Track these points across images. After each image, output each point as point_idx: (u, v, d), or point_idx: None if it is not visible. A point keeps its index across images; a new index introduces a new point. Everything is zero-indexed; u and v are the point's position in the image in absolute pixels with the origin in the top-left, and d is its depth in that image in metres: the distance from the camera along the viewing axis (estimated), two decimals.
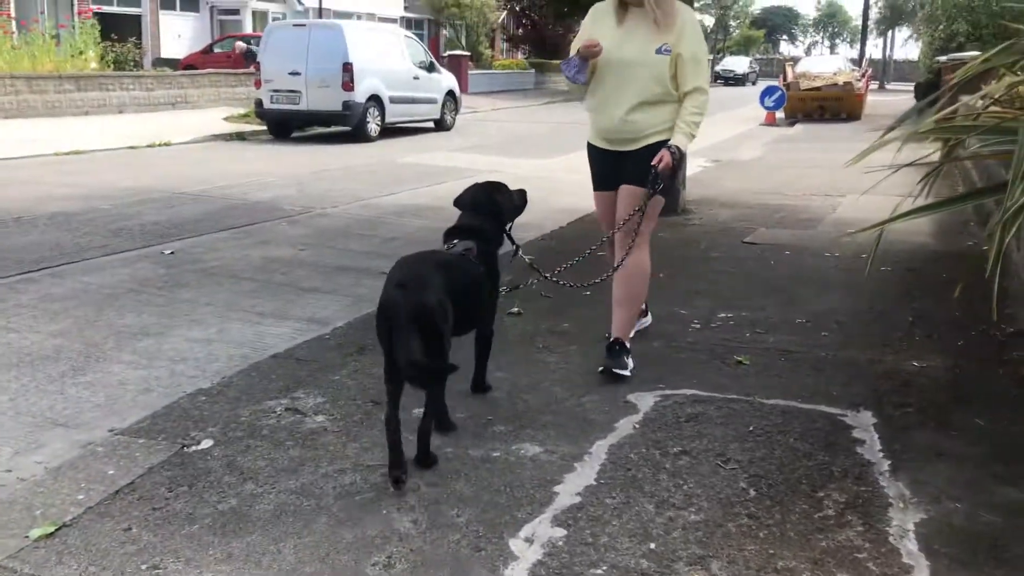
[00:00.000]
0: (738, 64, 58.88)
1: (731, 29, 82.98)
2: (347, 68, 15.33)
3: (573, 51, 3.96)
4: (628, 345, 3.97)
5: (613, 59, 3.88)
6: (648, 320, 4.60)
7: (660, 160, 3.80)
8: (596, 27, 3.98)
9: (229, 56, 24.80)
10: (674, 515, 2.71)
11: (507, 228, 3.64)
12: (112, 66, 19.09)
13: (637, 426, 3.38)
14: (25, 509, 2.77)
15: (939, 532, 2.61)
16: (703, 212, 8.54)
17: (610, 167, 4.07)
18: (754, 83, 50.39)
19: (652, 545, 2.54)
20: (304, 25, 16.73)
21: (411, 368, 2.86)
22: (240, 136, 16.00)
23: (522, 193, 3.76)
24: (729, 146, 15.92)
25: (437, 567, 2.45)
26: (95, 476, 2.98)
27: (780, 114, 22.53)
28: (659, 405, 3.59)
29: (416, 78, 17.43)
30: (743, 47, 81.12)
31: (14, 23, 19.06)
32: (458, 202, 3.63)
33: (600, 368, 3.90)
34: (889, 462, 3.07)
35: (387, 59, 16.67)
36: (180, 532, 2.63)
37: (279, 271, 6.16)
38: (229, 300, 5.38)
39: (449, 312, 3.02)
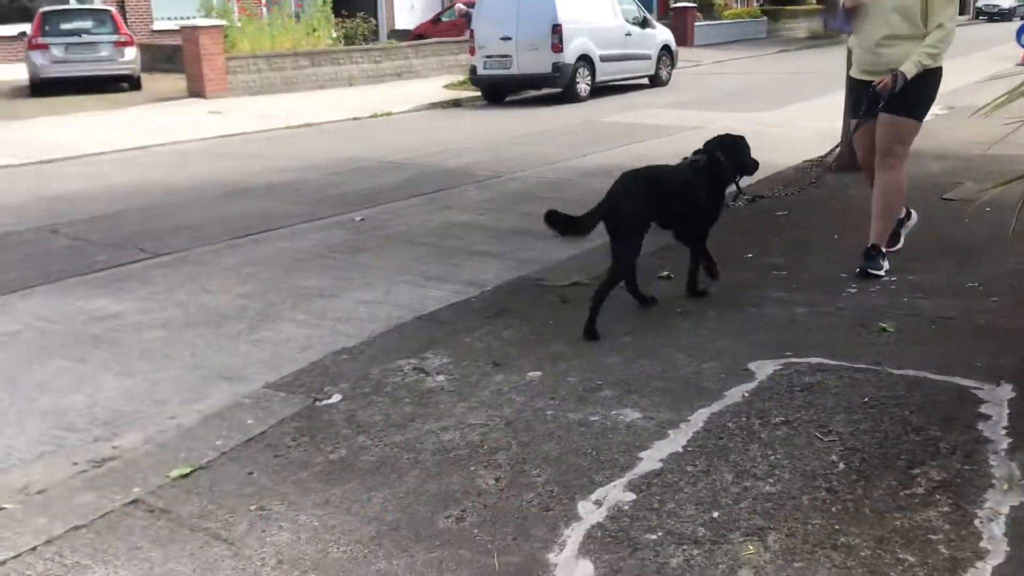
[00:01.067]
0: None
1: None
2: (556, 30, 15.48)
3: (840, 5, 4.74)
4: (884, 251, 4.74)
5: (873, 6, 4.56)
6: (914, 219, 5.19)
7: (880, 82, 4.47)
8: None
9: (455, 24, 25.64)
10: (750, 485, 2.68)
11: (736, 179, 4.56)
12: (343, 41, 20.33)
13: (747, 394, 3.33)
14: (174, 451, 3.18)
15: None
16: (912, 164, 7.92)
17: (863, 93, 4.69)
18: (1022, 18, 45.46)
19: (716, 514, 2.54)
20: None
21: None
22: (456, 103, 16.62)
23: (755, 163, 4.61)
24: (972, 90, 14.56)
25: (503, 523, 2.58)
26: (236, 425, 3.36)
27: None
28: (777, 374, 3.50)
29: (628, 35, 17.28)
30: None
31: (264, 9, 20.71)
32: (707, 143, 4.53)
33: (857, 269, 4.69)
34: (1010, 440, 2.85)
35: (597, 18, 16.64)
36: (291, 478, 2.93)
37: (454, 235, 6.46)
38: (402, 264, 5.73)
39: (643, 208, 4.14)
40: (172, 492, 2.89)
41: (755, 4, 40.70)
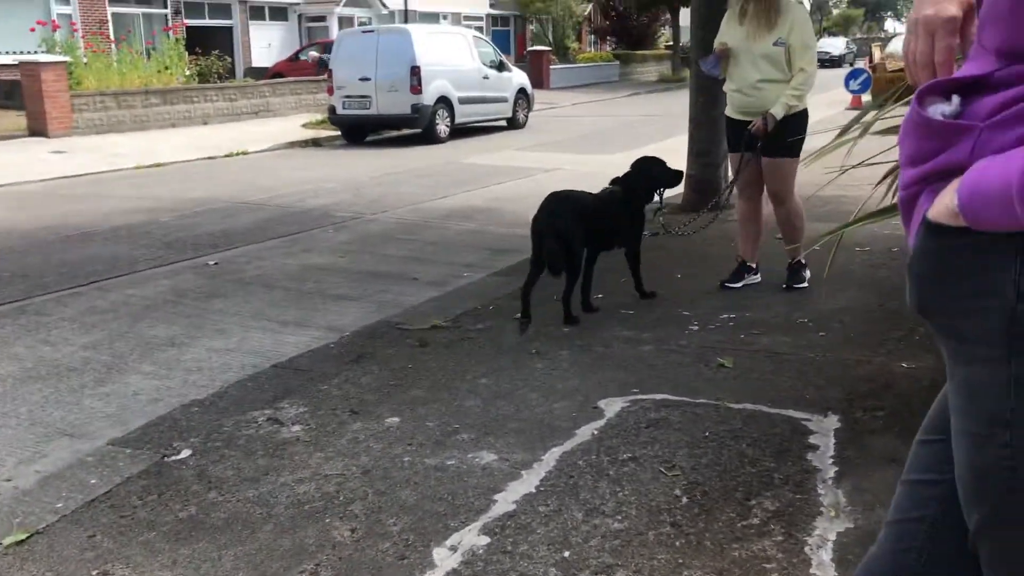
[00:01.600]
0: (834, 45, 57.05)
1: (829, 9, 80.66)
2: (415, 72, 15.63)
3: (716, 47, 5.29)
4: (803, 261, 5.42)
5: (741, 51, 5.14)
6: (757, 278, 5.58)
7: (754, 124, 5.06)
8: (727, 28, 5.26)
9: (314, 62, 25.50)
10: (599, 523, 2.77)
11: (659, 191, 5.36)
12: (197, 79, 19.87)
13: (596, 432, 3.44)
14: (8, 516, 3.02)
15: (860, 541, 2.59)
16: None
17: (739, 132, 5.25)
18: (851, 64, 48.81)
19: (567, 553, 2.61)
20: (373, 31, 17.09)
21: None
22: (315, 142, 16.49)
23: (678, 173, 5.50)
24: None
25: (358, 574, 2.58)
26: (78, 485, 3.22)
27: (867, 97, 21.84)
28: (625, 411, 3.64)
29: (486, 78, 17.62)
30: (842, 27, 78.74)
31: (113, 45, 20.03)
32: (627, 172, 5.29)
33: (783, 285, 5.41)
34: (836, 469, 3.06)
35: (456, 60, 16.91)
36: (138, 539, 2.83)
37: (312, 279, 6.40)
38: (257, 309, 5.63)
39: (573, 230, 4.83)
40: (6, 560, 2.74)
41: (608, 48, 42.26)
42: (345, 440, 3.48)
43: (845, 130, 3.45)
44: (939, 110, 1.20)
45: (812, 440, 3.30)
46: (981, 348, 1.16)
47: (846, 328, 4.61)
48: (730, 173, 5.63)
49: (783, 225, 5.46)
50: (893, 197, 3.25)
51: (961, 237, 1.14)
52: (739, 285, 5.46)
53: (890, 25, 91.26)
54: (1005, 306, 1.11)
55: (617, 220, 5.11)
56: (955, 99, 1.20)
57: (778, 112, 4.98)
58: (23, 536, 2.86)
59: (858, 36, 72.83)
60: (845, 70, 30.74)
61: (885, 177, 3.33)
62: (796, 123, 5.12)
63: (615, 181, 5.23)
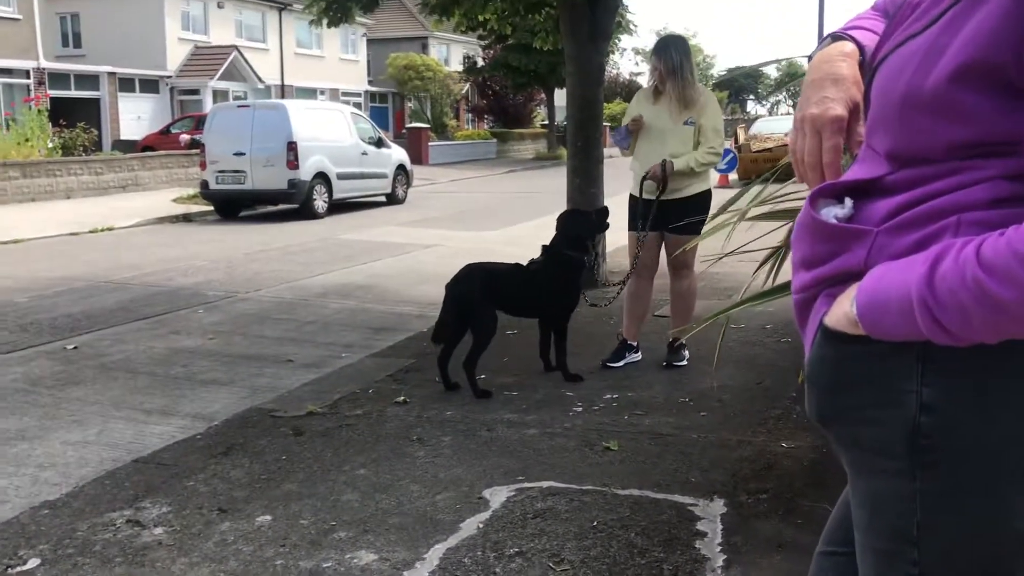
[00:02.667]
0: None
1: None
2: (291, 147, 15.45)
3: (625, 122, 5.41)
4: (683, 341, 5.38)
5: (653, 127, 5.26)
6: (638, 356, 5.58)
7: (651, 170, 5.14)
8: (639, 106, 5.40)
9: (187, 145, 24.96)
10: None
11: (591, 241, 5.39)
12: (60, 151, 19.11)
13: (481, 525, 3.32)
14: None
15: None
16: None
17: (640, 211, 5.27)
18: None
19: None
20: (248, 106, 16.88)
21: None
22: (187, 218, 16.01)
23: (602, 211, 5.74)
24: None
25: None
26: None
27: (734, 176, 22.83)
28: (511, 500, 3.53)
29: (364, 154, 17.57)
30: None
31: None
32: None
33: (664, 363, 5.46)
34: (724, 557, 3.03)
35: (334, 136, 16.81)
36: None
37: (180, 363, 6.08)
38: (119, 397, 5.29)
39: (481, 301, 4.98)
40: None
41: (485, 126, 43.05)
42: (212, 543, 3.24)
43: (719, 213, 3.51)
44: (832, 212, 1.19)
45: (699, 527, 3.26)
46: (882, 460, 1.13)
47: (726, 407, 4.66)
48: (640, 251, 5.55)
49: (679, 300, 5.50)
50: (769, 279, 3.32)
51: (860, 344, 1.11)
52: (621, 364, 5.45)
53: (751, 108, 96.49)
54: (907, 417, 1.08)
55: (542, 291, 5.13)
56: (848, 202, 1.18)
57: (679, 163, 5.08)
58: None
59: (725, 117, 76.62)
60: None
61: (763, 263, 3.38)
62: (700, 203, 5.26)
63: (545, 249, 5.26)
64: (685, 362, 5.45)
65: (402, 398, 4.89)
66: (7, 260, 11.02)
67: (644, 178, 5.20)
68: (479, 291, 4.96)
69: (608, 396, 4.89)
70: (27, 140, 17.99)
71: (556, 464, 3.89)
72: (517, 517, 3.38)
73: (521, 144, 38.98)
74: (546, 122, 39.63)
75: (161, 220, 15.53)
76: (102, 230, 14.06)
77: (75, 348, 6.48)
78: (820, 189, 1.21)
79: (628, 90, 48.10)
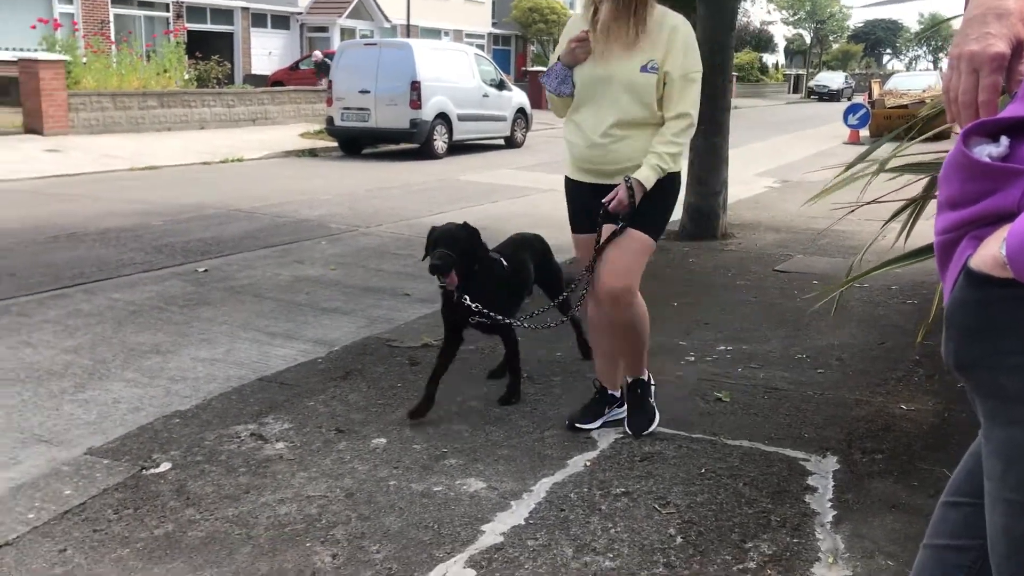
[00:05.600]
0: (832, 79, 57.61)
1: (830, 43, 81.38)
2: (415, 86, 15.60)
3: (553, 60, 3.47)
4: (645, 377, 3.71)
5: (589, 76, 3.35)
6: (622, 412, 3.77)
7: (612, 198, 3.30)
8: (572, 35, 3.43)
9: (313, 72, 25.49)
10: (590, 560, 2.68)
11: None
12: (195, 83, 19.80)
13: (588, 463, 3.35)
14: None
15: None
16: (746, 236, 8.38)
17: (586, 203, 3.48)
18: (849, 99, 49.21)
19: None
20: (375, 44, 17.05)
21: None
22: (312, 152, 16.42)
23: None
24: (802, 165, 15.56)
25: None
26: (51, 496, 3.11)
27: (865, 132, 21.91)
28: (619, 442, 3.55)
29: (486, 96, 17.60)
30: (841, 62, 79.41)
31: (113, 46, 19.95)
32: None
33: (626, 427, 3.70)
34: (835, 513, 2.97)
35: (456, 77, 16.88)
36: (110, 556, 2.73)
37: (303, 291, 6.30)
38: (245, 320, 5.53)
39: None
40: None
41: None
42: (330, 460, 3.38)
43: (854, 164, 3.38)
44: (986, 151, 1.13)
45: (810, 481, 3.21)
46: (1022, 408, 1.08)
47: (845, 366, 4.54)
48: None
49: (622, 340, 3.60)
50: (901, 239, 3.19)
51: (1006, 288, 1.06)
52: (598, 424, 3.68)
53: (888, 62, 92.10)
54: None
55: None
56: (1003, 140, 1.13)
57: (648, 178, 3.29)
58: None
59: (857, 71, 73.45)
60: (843, 105, 31.00)
61: (894, 216, 3.25)
62: (666, 191, 3.42)
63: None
64: (655, 424, 3.66)
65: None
66: (144, 186, 11.56)
67: (605, 211, 3.37)
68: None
69: (722, 348, 4.82)
70: (165, 71, 18.70)
71: (665, 411, 3.88)
72: (624, 459, 3.40)
73: None
74: None
75: (288, 154, 15.98)
76: (232, 161, 14.56)
77: (205, 271, 6.79)
78: (974, 126, 1.15)
79: (758, 39, 46.46)
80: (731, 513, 2.97)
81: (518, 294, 4.06)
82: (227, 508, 3.01)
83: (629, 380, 3.68)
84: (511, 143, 18.53)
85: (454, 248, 3.60)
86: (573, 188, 3.61)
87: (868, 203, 3.45)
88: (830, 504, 3.04)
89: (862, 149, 14.75)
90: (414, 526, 2.89)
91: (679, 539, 2.80)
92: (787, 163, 15.88)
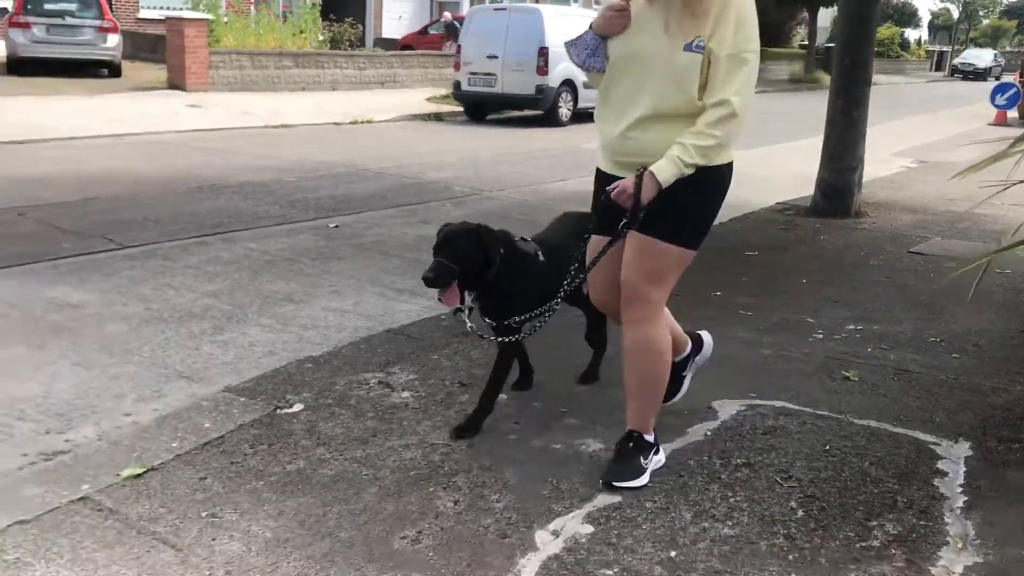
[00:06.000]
0: (980, 57, 54.58)
1: (979, 18, 77.12)
2: (542, 52, 15.57)
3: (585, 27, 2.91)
4: (649, 438, 3.00)
5: (622, 52, 2.82)
6: (707, 345, 3.44)
7: (616, 187, 2.78)
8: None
9: (442, 37, 25.75)
10: (708, 526, 2.68)
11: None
12: (329, 45, 20.30)
13: (709, 433, 3.34)
14: (127, 450, 3.12)
15: None
16: (881, 216, 8.09)
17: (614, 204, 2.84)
18: (998, 78, 46.58)
19: (673, 553, 2.53)
20: (504, 9, 17.06)
21: None
22: (437, 117, 16.62)
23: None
24: (943, 145, 14.86)
25: (459, 548, 2.55)
26: (193, 428, 3.30)
27: (1013, 113, 20.72)
28: (741, 414, 3.51)
29: None
30: (990, 39, 75.08)
31: (252, 7, 20.64)
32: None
33: (600, 480, 2.95)
34: (965, 499, 2.88)
35: None
36: (246, 486, 2.88)
37: (428, 250, 6.40)
38: (373, 275, 5.68)
39: None
40: (122, 492, 2.82)
41: None
42: (453, 411, 3.46)
43: (1016, 143, 3.20)
44: None
45: (940, 466, 3.11)
46: None
47: (982, 352, 4.36)
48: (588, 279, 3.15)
49: (631, 368, 2.96)
50: None
51: None
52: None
53: None
54: None
55: None
56: None
57: (665, 172, 2.70)
58: (140, 471, 2.95)
59: (1008, 49, 69.25)
60: (989, 84, 29.31)
61: None
62: (708, 189, 2.83)
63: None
64: (643, 480, 2.93)
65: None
66: (278, 143, 11.96)
67: (604, 199, 2.86)
68: None
69: (851, 327, 4.69)
70: (301, 32, 19.24)
71: (790, 387, 3.82)
72: (746, 431, 3.36)
73: (776, 64, 37.11)
74: (805, 42, 37.46)
75: (414, 117, 16.23)
76: (361, 122, 14.89)
77: (336, 227, 7.00)
78: None
79: (900, 13, 44.41)
80: (855, 491, 2.91)
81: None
82: (355, 449, 3.13)
83: (632, 431, 2.98)
84: None
85: (456, 257, 3.10)
86: (603, 181, 2.96)
87: (1018, 182, 3.27)
88: (960, 490, 2.94)
89: (1009, 131, 14.00)
90: (533, 479, 2.95)
91: (800, 512, 2.77)
92: (926, 143, 15.19)
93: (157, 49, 18.22)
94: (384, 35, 30.26)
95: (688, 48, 2.67)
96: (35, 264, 5.49)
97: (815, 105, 12.30)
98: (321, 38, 20.24)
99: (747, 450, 3.19)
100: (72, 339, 4.28)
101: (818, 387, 3.84)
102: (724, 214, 7.86)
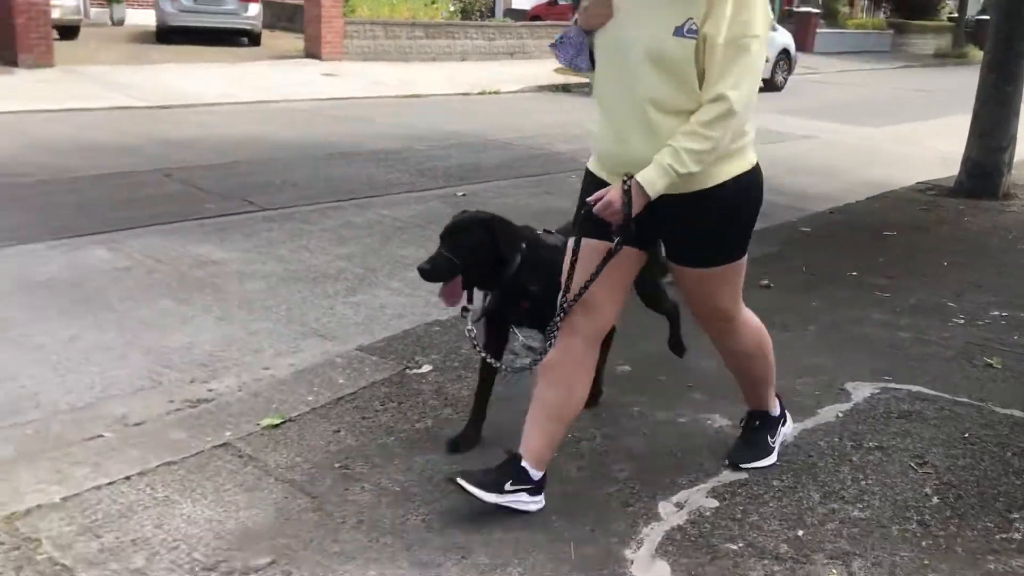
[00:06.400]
0: None
1: None
2: None
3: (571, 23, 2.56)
4: (775, 413, 2.96)
5: (606, 41, 2.46)
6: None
7: (596, 199, 2.42)
8: None
9: (572, 8, 25.59)
10: (837, 507, 2.62)
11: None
12: (460, 15, 20.46)
13: (841, 415, 3.25)
14: (266, 401, 3.27)
15: None
16: None
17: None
18: None
19: (800, 532, 2.49)
20: None
21: None
22: (565, 88, 16.54)
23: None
24: None
25: (583, 513, 2.58)
26: (327, 383, 3.43)
27: None
28: (875, 397, 3.41)
29: None
30: None
31: None
32: None
33: (725, 460, 2.91)
34: None
35: None
36: (377, 441, 2.98)
37: (554, 222, 6.38)
38: None
39: None
40: (261, 440, 2.97)
41: (882, 15, 39.44)
42: None
43: None
44: None
45: None
46: None
47: None
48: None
49: (740, 372, 2.96)
50: None
51: None
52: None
53: None
54: None
55: None
56: None
57: (656, 185, 2.33)
58: (278, 421, 3.09)
59: None
60: None
61: None
62: (738, 199, 2.51)
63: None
64: (771, 459, 2.89)
65: (765, 282, 4.82)
66: (409, 112, 12.17)
67: (588, 210, 2.45)
68: None
69: (996, 313, 4.47)
70: (433, 2, 19.45)
71: (928, 371, 3.67)
72: (880, 414, 3.26)
73: (921, 38, 35.37)
74: (954, 15, 35.52)
75: (541, 88, 16.21)
76: (490, 93, 14.98)
77: (464, 195, 7.09)
78: None
79: None
80: (996, 481, 2.79)
81: None
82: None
83: (747, 413, 2.99)
84: (771, 85, 17.75)
85: (461, 250, 2.77)
86: (589, 184, 2.61)
87: None
88: None
89: None
90: (657, 451, 2.94)
91: (935, 499, 2.68)
92: None
93: (295, 19, 18.76)
94: (514, 6, 30.26)
95: (679, 33, 2.29)
96: (181, 223, 5.78)
97: (963, 81, 11.70)
98: (452, 8, 20.41)
99: (880, 433, 3.10)
100: (215, 295, 4.50)
101: (958, 373, 3.69)
102: (861, 192, 7.63)
